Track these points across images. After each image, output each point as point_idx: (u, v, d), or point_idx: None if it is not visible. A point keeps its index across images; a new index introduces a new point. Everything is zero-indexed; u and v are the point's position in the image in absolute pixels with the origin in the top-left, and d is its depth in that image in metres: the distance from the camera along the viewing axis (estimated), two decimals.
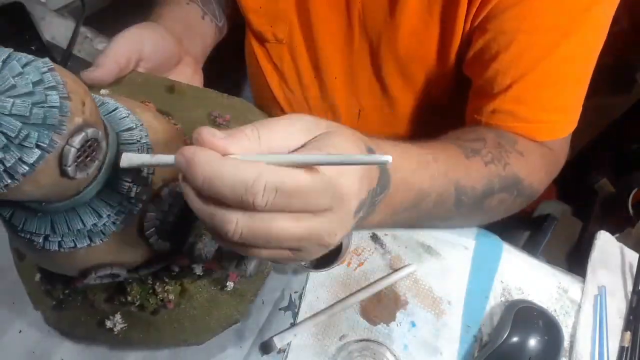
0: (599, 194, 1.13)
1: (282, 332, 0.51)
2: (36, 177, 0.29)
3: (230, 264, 0.45)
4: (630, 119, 1.11)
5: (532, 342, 0.50)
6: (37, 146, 0.29)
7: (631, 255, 0.59)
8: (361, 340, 0.52)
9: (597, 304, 0.55)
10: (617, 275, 0.58)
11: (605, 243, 0.60)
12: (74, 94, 0.31)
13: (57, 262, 0.39)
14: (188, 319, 0.46)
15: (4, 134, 0.27)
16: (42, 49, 0.70)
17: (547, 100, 0.56)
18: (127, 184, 0.37)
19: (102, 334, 0.46)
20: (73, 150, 0.30)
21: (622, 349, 0.53)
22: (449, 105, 0.69)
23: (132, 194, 0.37)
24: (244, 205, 0.27)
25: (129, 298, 0.45)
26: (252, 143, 0.29)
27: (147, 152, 0.38)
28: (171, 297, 0.45)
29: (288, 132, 0.30)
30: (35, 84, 0.29)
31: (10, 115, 0.27)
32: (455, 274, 0.56)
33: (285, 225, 0.29)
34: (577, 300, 0.56)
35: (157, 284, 0.45)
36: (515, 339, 0.50)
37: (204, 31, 0.69)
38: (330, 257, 0.52)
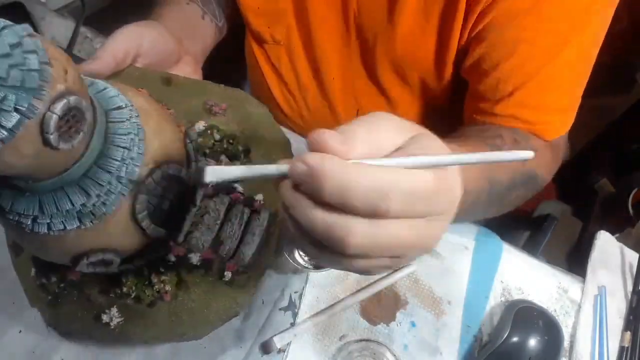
0: (599, 194, 1.13)
1: (282, 332, 0.51)
2: (17, 145, 0.28)
3: (228, 253, 0.45)
4: (630, 119, 1.11)
5: (532, 342, 0.50)
6: (16, 110, 0.27)
7: (631, 255, 0.59)
8: (361, 340, 0.52)
9: (597, 304, 0.56)
10: (617, 275, 0.58)
11: (605, 243, 0.60)
12: (56, 60, 0.30)
13: (48, 248, 0.39)
14: (186, 312, 0.46)
15: None
16: None
17: (549, 103, 0.57)
18: (117, 162, 0.36)
19: (99, 329, 0.46)
20: (55, 117, 0.29)
21: (622, 349, 0.53)
22: (448, 105, 0.70)
23: (122, 174, 0.36)
24: (375, 213, 0.26)
25: (125, 289, 0.44)
26: (364, 146, 0.27)
27: (138, 133, 0.37)
28: (168, 287, 0.44)
29: (390, 132, 0.29)
30: (12, 46, 0.28)
31: None
32: (455, 274, 0.56)
33: (405, 232, 0.27)
34: (577, 300, 0.56)
35: (153, 274, 0.45)
36: (515, 339, 0.50)
37: (203, 31, 0.69)
38: None
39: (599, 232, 0.61)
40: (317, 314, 0.53)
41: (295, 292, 0.54)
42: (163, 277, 0.44)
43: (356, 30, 0.64)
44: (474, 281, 0.56)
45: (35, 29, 0.70)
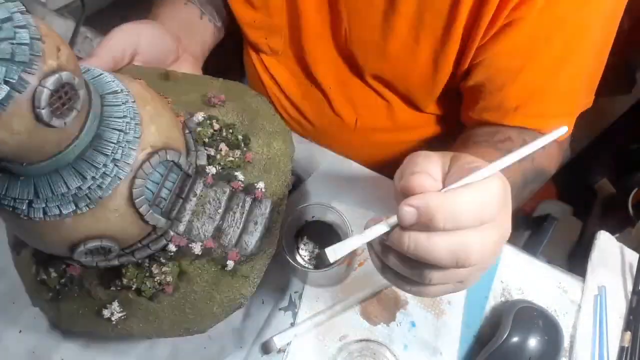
0: (599, 194, 1.13)
1: (282, 332, 0.51)
2: (8, 120, 0.28)
3: (230, 242, 0.44)
4: (630, 119, 1.11)
5: (532, 342, 0.50)
6: (6, 82, 0.27)
7: (631, 255, 0.59)
8: (361, 340, 0.52)
9: (597, 304, 0.56)
10: (617, 275, 0.58)
11: (605, 243, 0.60)
12: (48, 37, 0.30)
13: (45, 236, 0.38)
14: (189, 305, 0.45)
15: None
16: None
17: (554, 111, 0.58)
18: (112, 145, 0.36)
19: (101, 325, 0.45)
20: (46, 91, 0.29)
21: (622, 349, 0.53)
22: (443, 113, 0.70)
23: (118, 156, 0.36)
24: (481, 221, 0.30)
25: (125, 281, 0.43)
26: (436, 179, 0.32)
27: (134, 117, 0.37)
28: (169, 279, 0.43)
29: (438, 161, 0.34)
30: (3, 20, 0.28)
31: None
32: None
33: (501, 228, 0.32)
34: (577, 300, 0.56)
35: (154, 265, 0.44)
36: (515, 339, 0.50)
37: (202, 31, 0.69)
38: None
39: (599, 232, 0.61)
40: (317, 314, 0.53)
41: (295, 292, 0.54)
42: (164, 268, 0.43)
43: (347, 45, 0.64)
44: None
45: None
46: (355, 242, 0.33)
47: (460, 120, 0.69)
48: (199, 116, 0.48)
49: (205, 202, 0.44)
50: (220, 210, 0.45)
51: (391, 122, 0.72)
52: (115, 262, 0.42)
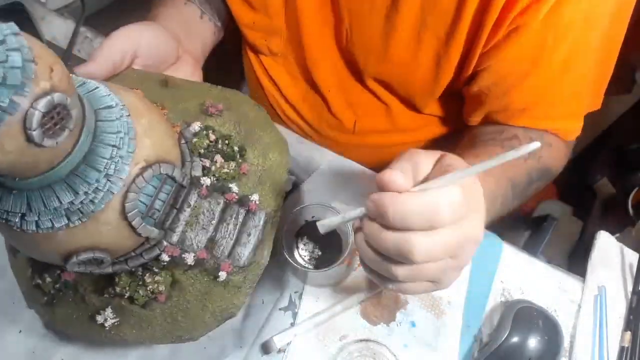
0: (599, 194, 1.13)
1: (282, 332, 0.51)
2: (0, 141, 0.28)
3: (223, 253, 0.44)
4: (630, 119, 1.11)
5: (532, 342, 0.50)
6: None
7: (631, 255, 0.59)
8: (361, 341, 0.52)
9: (597, 304, 0.55)
10: (617, 275, 0.58)
11: (605, 243, 0.60)
12: (41, 59, 0.30)
13: (38, 246, 0.39)
14: (181, 313, 0.45)
15: None
16: None
17: (561, 112, 0.58)
18: (105, 160, 0.36)
19: (95, 330, 0.45)
20: (37, 113, 0.29)
21: (622, 349, 0.53)
22: (442, 115, 0.70)
23: (111, 172, 0.36)
24: (430, 225, 0.33)
25: (118, 289, 0.44)
26: (410, 176, 0.35)
27: (128, 131, 0.37)
28: (161, 288, 0.44)
29: (424, 160, 0.36)
30: None
31: None
32: None
33: (451, 234, 0.34)
34: (577, 300, 0.56)
35: (147, 274, 0.44)
36: (515, 339, 0.50)
37: (202, 31, 0.69)
38: (330, 257, 0.52)
39: (599, 232, 0.61)
40: (317, 314, 0.53)
41: (295, 292, 0.54)
42: (157, 278, 0.44)
43: (347, 46, 0.64)
44: (474, 281, 0.56)
45: (35, 29, 0.70)
46: (337, 220, 0.39)
47: (458, 122, 0.69)
48: (196, 126, 0.48)
49: (199, 213, 0.45)
50: (213, 222, 0.45)
51: (390, 124, 0.72)
52: (109, 270, 0.42)
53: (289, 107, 0.77)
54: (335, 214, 0.50)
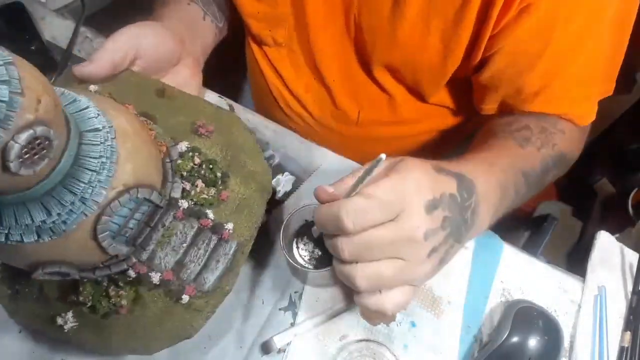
0: (599, 194, 1.13)
1: (282, 332, 0.51)
2: None
3: (189, 277, 0.45)
4: (630, 119, 1.11)
5: (532, 342, 0.50)
6: None
7: (631, 255, 0.59)
8: (361, 341, 0.52)
9: (597, 304, 0.56)
10: (617, 275, 0.58)
11: (605, 243, 0.60)
12: (30, 90, 0.30)
13: (5, 252, 0.39)
14: (140, 328, 0.45)
15: None
16: (42, 49, 0.70)
17: (575, 95, 0.58)
18: (83, 184, 0.36)
19: (54, 330, 0.46)
20: (17, 146, 0.29)
21: (622, 349, 0.53)
22: (449, 104, 0.70)
23: (87, 196, 0.36)
24: (341, 230, 0.37)
25: (81, 298, 0.44)
26: (337, 188, 0.40)
27: (111, 156, 0.37)
28: (124, 302, 0.44)
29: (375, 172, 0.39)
30: None
31: None
32: (455, 274, 0.56)
33: (376, 233, 0.37)
34: (577, 300, 0.56)
35: (112, 287, 0.45)
36: (515, 339, 0.50)
37: (204, 32, 0.69)
38: (330, 257, 0.52)
39: (599, 232, 0.61)
40: (317, 314, 0.53)
41: (295, 292, 0.54)
42: (120, 292, 0.44)
43: (355, 32, 0.64)
44: (474, 281, 0.56)
45: (35, 29, 0.70)
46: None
47: (461, 114, 0.69)
48: (183, 146, 0.48)
49: (172, 234, 0.45)
50: (184, 245, 0.45)
51: (394, 115, 0.72)
52: (76, 277, 0.43)
53: (292, 98, 0.77)
54: None
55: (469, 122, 0.74)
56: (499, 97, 0.60)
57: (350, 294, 0.54)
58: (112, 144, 0.38)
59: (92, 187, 0.36)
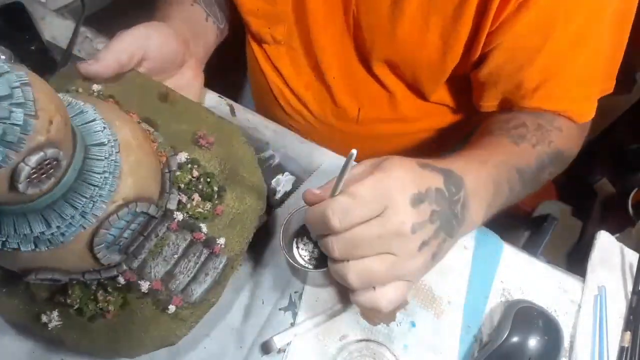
0: (599, 194, 1.13)
1: (282, 332, 0.51)
2: None
3: (177, 287, 0.46)
4: (630, 119, 1.11)
5: (532, 342, 0.50)
6: None
7: (631, 255, 0.59)
8: (361, 341, 0.52)
9: (597, 304, 0.55)
10: (617, 275, 0.58)
11: (605, 243, 0.60)
12: (43, 111, 0.30)
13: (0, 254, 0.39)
14: (124, 332, 0.46)
15: None
16: (42, 49, 0.69)
17: (574, 94, 0.58)
18: (84, 199, 0.36)
19: (38, 327, 0.46)
20: (27, 168, 0.29)
21: (622, 349, 0.53)
22: (449, 103, 0.70)
23: (87, 210, 0.36)
24: (329, 229, 0.38)
25: (69, 300, 0.44)
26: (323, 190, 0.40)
27: (114, 171, 0.38)
28: (111, 307, 0.45)
29: (361, 171, 0.41)
30: (2, 98, 0.28)
31: None
32: (455, 274, 0.56)
33: (362, 230, 0.38)
34: (577, 300, 0.56)
35: (100, 292, 0.45)
36: (515, 339, 0.50)
37: (207, 33, 0.69)
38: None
39: (599, 232, 0.61)
40: (317, 314, 0.53)
41: (295, 292, 0.54)
42: (108, 297, 0.45)
43: (355, 30, 0.64)
44: (474, 281, 0.56)
45: (35, 29, 0.70)
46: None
47: (462, 112, 0.69)
48: (182, 157, 0.49)
49: (165, 244, 0.46)
50: (176, 256, 0.46)
51: (394, 113, 0.72)
52: (66, 280, 0.43)
53: (293, 96, 0.77)
54: None
55: (468, 121, 0.74)
56: (498, 94, 0.60)
57: (348, 294, 0.54)
58: (116, 158, 0.38)
59: (94, 202, 0.37)
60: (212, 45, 0.70)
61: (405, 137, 0.77)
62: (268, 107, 0.82)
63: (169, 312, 0.45)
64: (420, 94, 0.68)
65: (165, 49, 0.57)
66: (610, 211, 1.09)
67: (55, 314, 0.45)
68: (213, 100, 0.67)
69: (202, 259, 0.47)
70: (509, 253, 0.58)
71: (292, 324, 0.53)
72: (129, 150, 0.40)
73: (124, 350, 0.46)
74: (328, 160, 0.63)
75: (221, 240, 0.47)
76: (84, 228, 0.37)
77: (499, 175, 0.50)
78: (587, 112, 0.60)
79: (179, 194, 0.47)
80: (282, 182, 0.60)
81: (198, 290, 0.46)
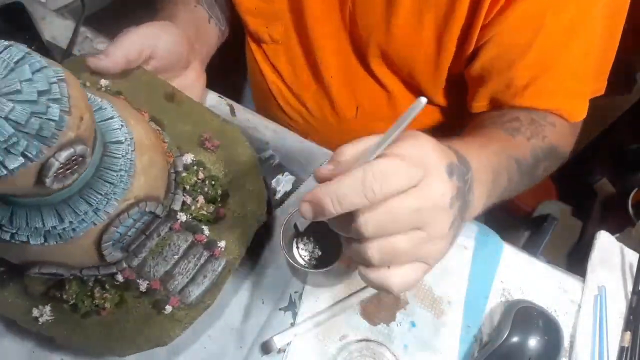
0: (599, 194, 1.13)
1: (282, 332, 0.51)
2: (12, 180, 0.29)
3: (175, 288, 0.46)
4: (630, 119, 1.11)
5: (532, 342, 0.50)
6: (23, 155, 0.28)
7: (631, 255, 0.59)
8: (361, 341, 0.52)
9: (597, 304, 0.55)
10: (617, 275, 0.58)
11: (605, 243, 0.60)
12: (76, 108, 0.30)
13: (4, 246, 0.39)
14: (118, 329, 0.45)
15: None
16: (42, 49, 0.69)
17: (564, 90, 0.57)
18: (99, 196, 0.36)
19: (27, 321, 0.46)
20: (56, 164, 0.30)
21: (622, 349, 0.53)
22: (444, 104, 0.70)
23: (101, 207, 0.37)
24: (368, 198, 0.31)
25: (65, 296, 0.44)
26: (352, 160, 0.35)
27: (129, 169, 0.38)
28: (107, 305, 0.45)
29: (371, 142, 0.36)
30: (40, 93, 0.28)
31: (6, 119, 0.27)
32: (455, 274, 0.56)
33: (400, 202, 0.32)
34: (577, 300, 0.56)
35: (97, 288, 0.45)
36: (515, 339, 0.50)
37: (209, 34, 0.69)
38: (330, 257, 0.52)
39: (599, 232, 0.61)
40: (317, 314, 0.53)
41: (295, 292, 0.54)
42: (105, 294, 0.45)
43: (351, 27, 0.64)
44: (474, 281, 0.56)
45: (35, 29, 0.70)
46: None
47: (462, 112, 0.69)
48: (188, 158, 0.49)
49: (166, 244, 0.46)
50: (176, 256, 0.46)
51: (392, 111, 0.72)
52: (67, 276, 0.43)
53: (291, 95, 0.77)
54: None
55: (464, 122, 0.75)
56: (489, 92, 0.60)
57: (349, 294, 0.54)
58: (132, 157, 0.38)
59: (108, 199, 0.37)
60: (214, 47, 0.71)
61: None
62: (267, 107, 0.83)
63: (166, 312, 0.45)
64: (419, 92, 0.68)
65: (173, 49, 0.57)
66: (610, 211, 1.09)
67: (47, 308, 0.45)
68: (213, 100, 0.67)
69: (202, 260, 0.47)
70: (509, 253, 0.58)
71: (292, 324, 0.53)
72: (142, 150, 0.40)
73: (116, 348, 0.46)
74: (328, 160, 0.63)
75: (222, 244, 0.48)
76: (95, 224, 0.37)
77: (499, 162, 0.48)
78: (579, 111, 0.60)
79: (184, 195, 0.47)
80: (282, 182, 0.60)
81: (195, 292, 0.46)
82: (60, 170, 0.31)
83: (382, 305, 0.54)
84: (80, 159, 0.32)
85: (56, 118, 0.29)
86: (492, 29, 0.53)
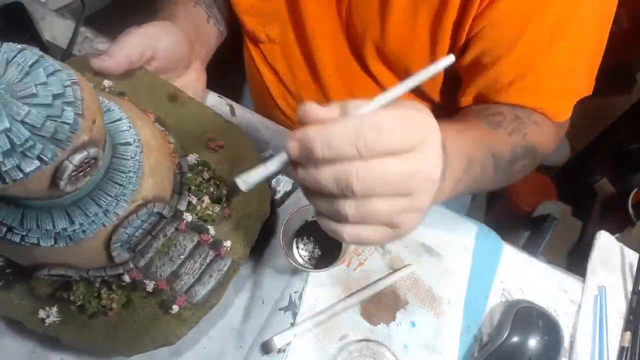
0: (599, 194, 1.13)
1: (282, 332, 0.51)
2: (26, 183, 0.29)
3: (182, 288, 0.46)
4: (630, 119, 1.11)
5: (532, 342, 0.50)
6: (39, 158, 0.28)
7: (631, 255, 0.59)
8: (361, 340, 0.52)
9: (597, 304, 0.56)
10: (617, 275, 0.58)
11: (605, 243, 0.60)
12: (88, 111, 0.31)
13: (12, 249, 0.39)
14: (125, 331, 0.46)
15: (9, 139, 0.27)
16: (42, 49, 0.69)
17: (550, 88, 0.57)
18: (109, 198, 0.36)
19: (34, 322, 0.46)
20: (70, 167, 0.30)
21: (622, 349, 0.53)
22: (439, 98, 0.70)
23: (110, 208, 0.37)
24: (359, 151, 0.30)
25: (72, 297, 0.44)
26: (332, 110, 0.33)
27: (138, 170, 0.38)
28: (114, 305, 0.45)
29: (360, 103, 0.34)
30: (55, 96, 0.29)
31: (23, 123, 0.27)
32: (455, 274, 0.56)
33: (394, 165, 0.31)
34: (577, 300, 0.56)
35: (104, 289, 0.45)
36: (515, 339, 0.50)
37: (208, 35, 0.69)
38: (330, 257, 0.52)
39: (599, 232, 0.61)
40: (317, 314, 0.53)
41: (295, 292, 0.54)
42: (112, 295, 0.45)
43: (347, 26, 0.64)
44: (474, 281, 0.56)
45: (35, 29, 0.70)
46: (263, 172, 0.34)
47: (455, 112, 0.69)
48: (193, 158, 0.49)
49: (172, 244, 0.46)
50: (182, 257, 0.46)
51: None
52: (76, 277, 0.43)
53: (289, 96, 0.77)
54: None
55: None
56: (476, 87, 0.60)
57: (349, 294, 0.54)
58: (140, 158, 0.39)
59: (117, 200, 0.37)
60: (213, 47, 0.71)
61: None
62: (266, 107, 0.83)
63: (172, 312, 0.45)
64: (417, 91, 0.68)
65: (175, 49, 0.58)
66: (610, 211, 1.09)
67: (54, 309, 0.45)
68: (213, 100, 0.67)
69: (208, 260, 0.47)
70: (509, 253, 0.58)
71: (292, 324, 0.53)
72: (149, 151, 0.40)
73: (122, 348, 0.46)
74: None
75: (227, 243, 0.48)
76: (104, 226, 0.37)
77: (473, 152, 0.47)
78: (563, 110, 0.59)
79: (190, 195, 0.47)
80: (282, 182, 0.60)
81: (201, 292, 0.46)
82: (74, 173, 0.31)
83: (382, 305, 0.54)
84: (93, 161, 0.32)
85: (70, 121, 0.29)
86: (483, 20, 0.54)
